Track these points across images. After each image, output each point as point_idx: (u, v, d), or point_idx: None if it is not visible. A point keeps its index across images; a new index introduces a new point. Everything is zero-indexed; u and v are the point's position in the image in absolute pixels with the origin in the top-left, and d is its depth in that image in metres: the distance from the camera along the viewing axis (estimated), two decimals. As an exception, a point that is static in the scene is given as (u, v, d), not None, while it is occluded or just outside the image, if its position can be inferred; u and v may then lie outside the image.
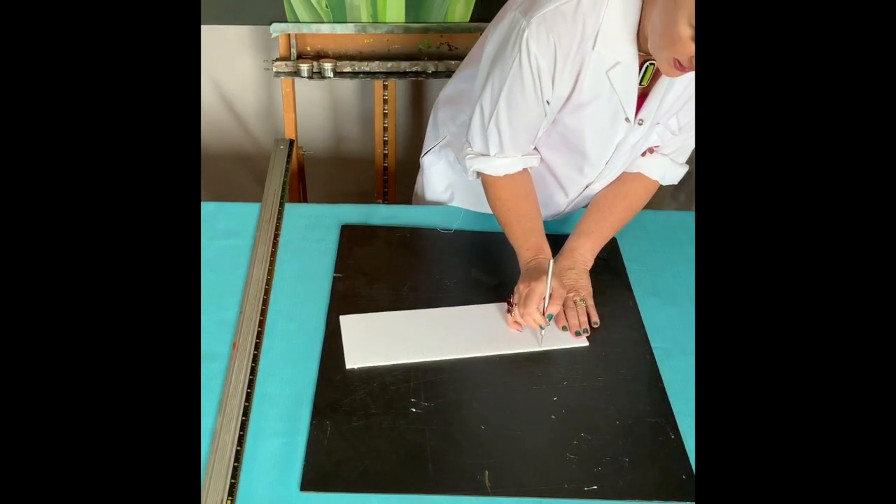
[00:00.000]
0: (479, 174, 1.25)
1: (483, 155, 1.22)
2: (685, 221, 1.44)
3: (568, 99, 1.14)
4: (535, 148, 1.24)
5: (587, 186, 1.30)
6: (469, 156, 1.23)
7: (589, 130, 1.18)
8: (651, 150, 1.25)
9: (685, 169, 1.30)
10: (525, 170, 1.23)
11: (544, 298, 1.12)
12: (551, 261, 1.13)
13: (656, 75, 1.12)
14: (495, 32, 1.14)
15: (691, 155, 1.30)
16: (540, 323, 1.13)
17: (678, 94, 1.14)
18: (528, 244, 1.19)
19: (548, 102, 1.14)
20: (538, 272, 1.14)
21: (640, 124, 1.16)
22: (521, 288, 1.14)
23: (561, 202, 1.35)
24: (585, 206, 1.41)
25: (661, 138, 1.22)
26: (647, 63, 1.09)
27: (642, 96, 1.14)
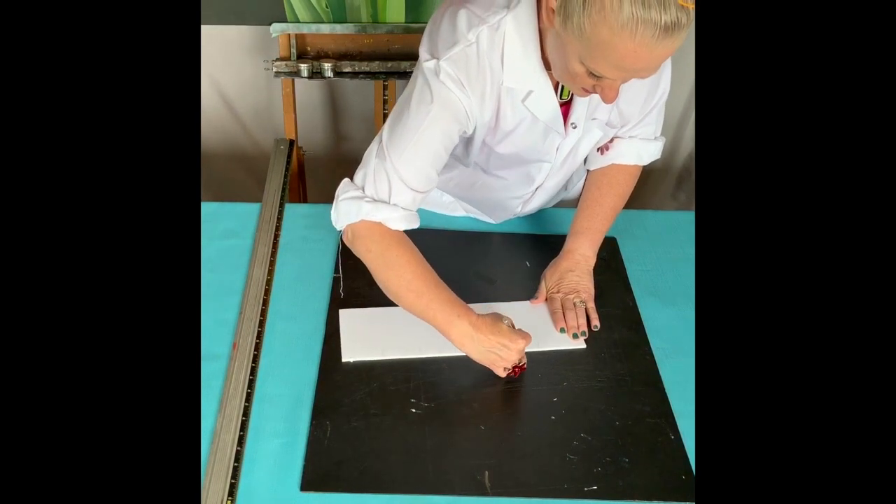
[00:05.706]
0: (351, 228, 1.09)
1: (381, 202, 1.07)
2: (685, 221, 1.44)
3: (494, 131, 1.14)
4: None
5: (537, 188, 1.30)
6: (366, 199, 1.07)
7: (525, 151, 1.19)
8: (607, 147, 1.26)
9: (660, 143, 1.29)
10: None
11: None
12: (504, 316, 1.08)
13: None
14: (413, 78, 1.11)
15: (691, 137, 1.27)
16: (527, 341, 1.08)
17: None
18: (456, 312, 1.07)
19: (464, 143, 1.13)
20: (500, 334, 1.05)
21: (574, 128, 1.16)
22: (513, 358, 1.06)
23: (514, 204, 1.34)
24: (552, 207, 1.42)
25: (606, 135, 1.22)
26: None
27: (571, 101, 1.15)
